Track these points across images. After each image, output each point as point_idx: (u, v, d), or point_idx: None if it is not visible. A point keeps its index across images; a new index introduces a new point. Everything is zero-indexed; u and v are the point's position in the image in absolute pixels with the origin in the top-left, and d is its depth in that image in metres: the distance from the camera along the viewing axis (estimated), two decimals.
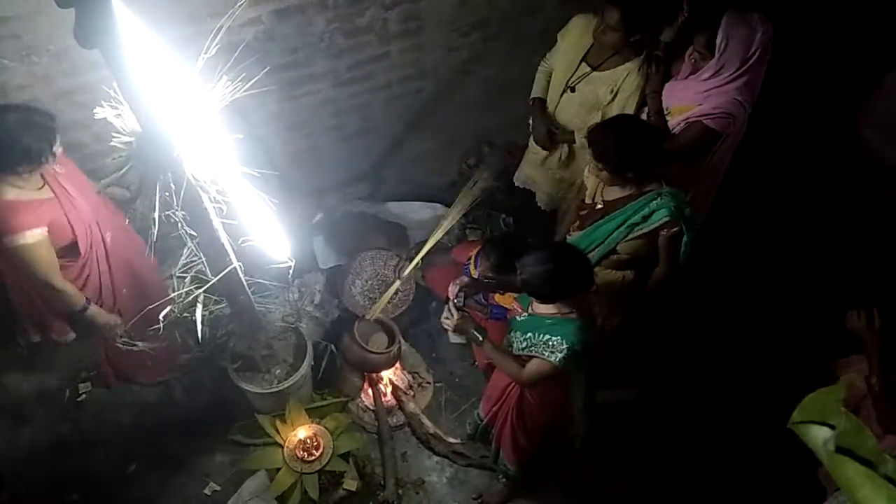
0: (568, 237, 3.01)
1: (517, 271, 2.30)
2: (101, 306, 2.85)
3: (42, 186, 2.52)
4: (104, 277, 2.83)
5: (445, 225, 3.31)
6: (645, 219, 2.63)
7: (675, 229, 2.63)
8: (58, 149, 2.38)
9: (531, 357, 2.40)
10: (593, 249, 2.81)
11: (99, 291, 2.84)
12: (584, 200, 2.90)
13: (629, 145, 2.55)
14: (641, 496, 3.34)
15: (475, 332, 2.50)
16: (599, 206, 2.77)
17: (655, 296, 2.92)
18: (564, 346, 2.27)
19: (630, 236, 2.70)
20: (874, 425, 2.51)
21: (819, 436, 0.87)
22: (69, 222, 2.57)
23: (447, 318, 2.54)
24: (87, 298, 2.74)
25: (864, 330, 2.40)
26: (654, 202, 2.60)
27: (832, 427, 0.86)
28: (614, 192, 2.72)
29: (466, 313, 2.57)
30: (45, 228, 2.48)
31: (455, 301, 2.59)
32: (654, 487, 3.34)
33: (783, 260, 3.94)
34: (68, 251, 2.66)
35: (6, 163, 2.34)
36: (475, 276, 2.92)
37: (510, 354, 2.47)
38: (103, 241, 2.77)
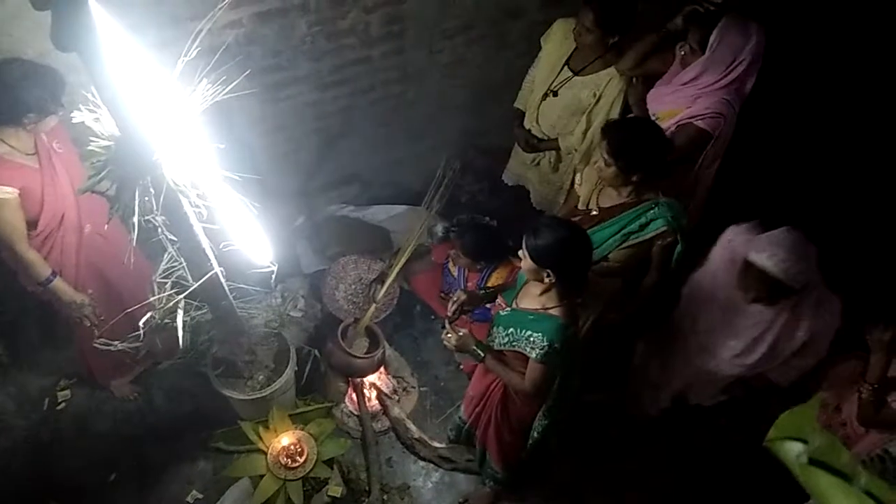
0: None
1: (530, 232, 2.23)
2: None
3: (32, 154, 2.54)
4: (68, 269, 2.81)
5: (401, 260, 3.33)
6: (642, 228, 2.63)
7: (669, 239, 2.63)
8: (62, 108, 2.41)
9: (515, 353, 2.39)
10: None
11: (59, 273, 2.81)
12: (576, 206, 2.88)
13: (647, 146, 2.54)
14: (623, 493, 3.35)
15: (476, 349, 2.48)
16: (594, 213, 2.75)
17: (645, 302, 2.92)
18: (545, 342, 2.25)
19: (624, 244, 2.69)
20: (854, 421, 2.54)
21: (792, 450, 0.89)
22: (42, 194, 2.57)
23: (447, 341, 2.52)
24: (52, 271, 2.71)
25: (883, 345, 2.41)
26: (652, 212, 2.60)
27: (805, 442, 0.87)
28: (610, 199, 2.71)
29: (466, 331, 2.54)
30: (17, 192, 2.48)
31: (451, 316, 2.57)
32: (640, 487, 3.35)
33: None
34: (33, 225, 2.64)
35: (14, 113, 2.38)
36: (472, 290, 2.88)
37: (512, 367, 2.45)
38: (81, 230, 2.75)
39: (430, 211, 3.36)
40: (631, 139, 2.53)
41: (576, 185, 2.87)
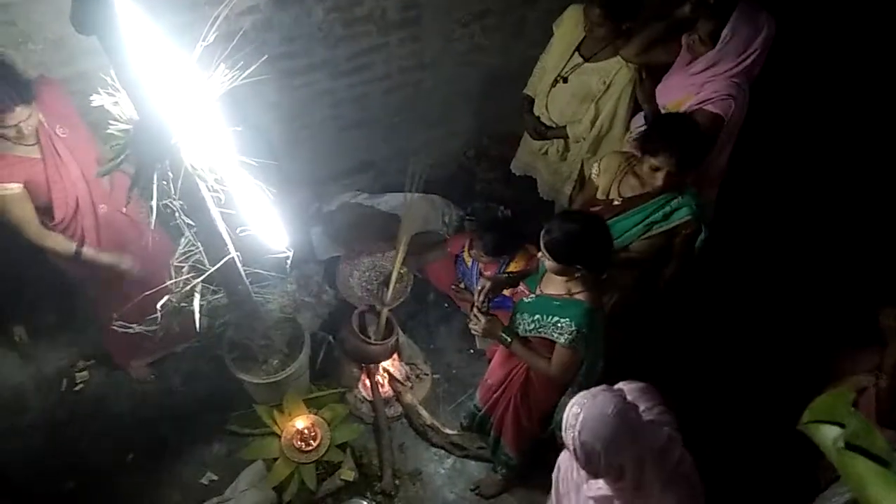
0: None
1: (545, 232, 2.23)
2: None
3: (33, 144, 2.51)
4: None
5: (400, 252, 3.33)
6: (666, 217, 2.61)
7: (693, 228, 2.62)
8: (21, 105, 2.32)
9: (541, 339, 2.40)
10: None
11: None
12: (595, 196, 2.88)
13: (703, 144, 2.53)
14: None
15: (503, 335, 2.49)
16: (616, 203, 2.73)
17: (664, 290, 2.90)
18: (573, 327, 2.26)
19: (647, 234, 2.68)
20: (872, 414, 2.53)
21: (828, 435, 0.88)
22: (48, 185, 2.55)
23: (475, 324, 2.51)
24: (77, 245, 2.71)
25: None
26: (675, 201, 2.59)
27: (841, 426, 0.87)
28: (632, 189, 2.69)
29: (493, 316, 2.55)
30: (20, 185, 2.48)
31: (481, 306, 2.54)
32: None
33: (785, 256, 3.94)
34: (49, 212, 2.65)
35: None
36: (495, 276, 2.88)
37: (538, 353, 2.46)
38: (96, 212, 2.75)
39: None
40: (695, 141, 2.48)
41: (593, 175, 2.85)
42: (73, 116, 2.61)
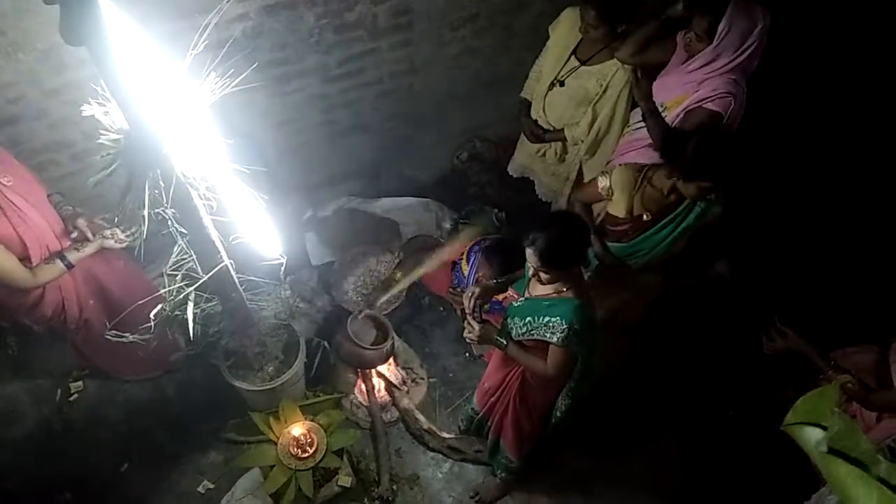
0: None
1: (530, 245, 2.24)
2: (64, 318, 2.81)
3: None
4: (67, 290, 2.76)
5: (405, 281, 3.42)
6: (698, 218, 2.66)
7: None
8: None
9: (535, 341, 2.40)
10: (637, 257, 2.85)
11: (61, 303, 2.77)
12: (593, 193, 2.87)
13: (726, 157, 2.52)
14: (632, 484, 3.35)
15: (498, 338, 2.49)
16: (647, 218, 2.74)
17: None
18: (564, 325, 2.27)
19: (682, 238, 2.73)
20: (863, 410, 2.54)
21: (812, 437, 0.88)
22: (19, 236, 2.46)
23: (469, 332, 2.51)
24: (61, 259, 2.60)
25: (798, 344, 2.49)
26: (701, 203, 2.62)
27: (825, 428, 0.86)
28: (657, 202, 2.71)
29: (487, 321, 2.55)
30: None
31: (474, 314, 2.54)
32: (645, 475, 3.36)
33: (782, 254, 3.96)
34: (25, 260, 2.55)
35: None
36: (484, 283, 2.88)
37: (534, 354, 2.46)
38: (62, 248, 2.65)
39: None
40: (730, 154, 2.49)
41: (602, 187, 2.81)
42: (10, 161, 2.52)
